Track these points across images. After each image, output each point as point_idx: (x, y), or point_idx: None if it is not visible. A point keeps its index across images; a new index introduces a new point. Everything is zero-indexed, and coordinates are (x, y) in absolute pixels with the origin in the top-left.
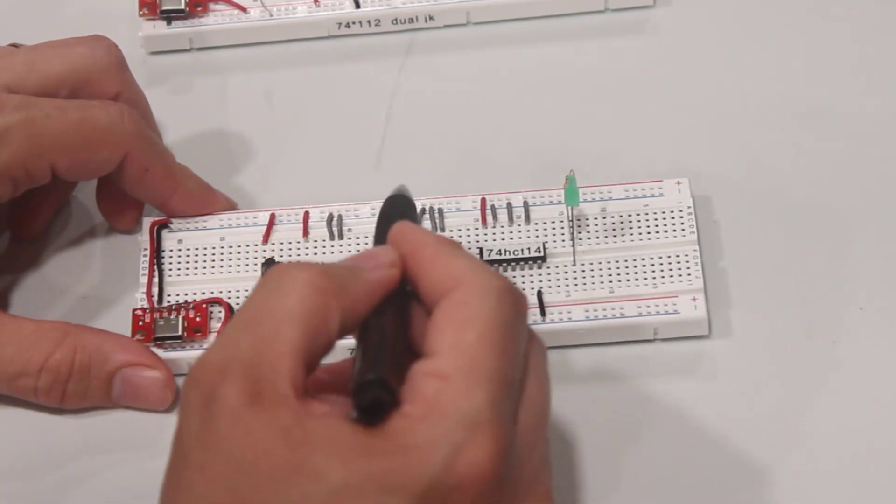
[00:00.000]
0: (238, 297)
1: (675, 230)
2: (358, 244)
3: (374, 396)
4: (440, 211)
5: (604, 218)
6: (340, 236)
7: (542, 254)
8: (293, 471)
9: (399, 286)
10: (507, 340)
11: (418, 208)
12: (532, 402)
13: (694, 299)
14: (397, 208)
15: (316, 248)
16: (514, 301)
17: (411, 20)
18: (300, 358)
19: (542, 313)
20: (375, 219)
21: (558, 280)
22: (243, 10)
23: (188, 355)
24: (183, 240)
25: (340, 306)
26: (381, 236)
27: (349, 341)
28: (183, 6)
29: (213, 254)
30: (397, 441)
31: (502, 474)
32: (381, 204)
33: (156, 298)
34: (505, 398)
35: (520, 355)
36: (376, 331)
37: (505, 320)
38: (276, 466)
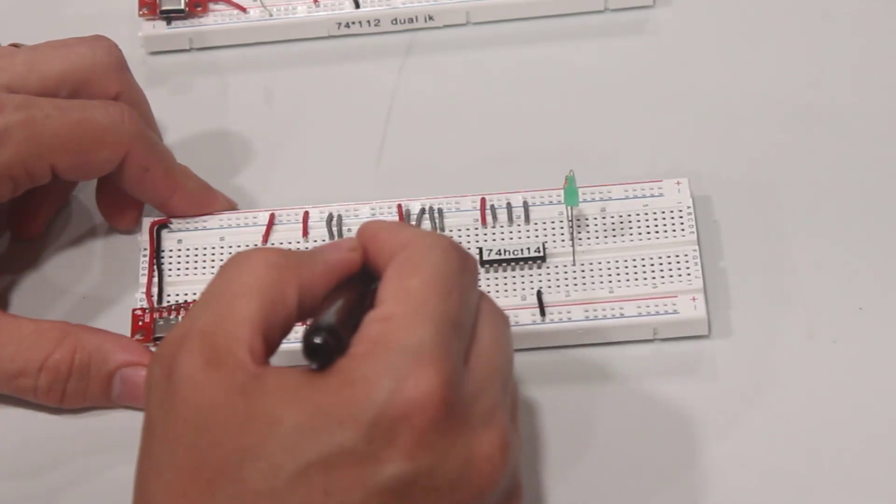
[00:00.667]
0: None
1: (674, 230)
2: None
3: (318, 339)
4: (440, 211)
5: (603, 218)
6: (340, 236)
7: (541, 254)
8: (248, 419)
9: (361, 273)
10: (452, 286)
11: (418, 208)
12: (484, 349)
13: (694, 299)
14: None
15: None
16: (460, 256)
17: (411, 20)
18: (257, 328)
19: (542, 313)
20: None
21: (558, 280)
22: (243, 10)
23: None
24: (183, 240)
25: (297, 281)
26: None
27: None
28: (183, 6)
29: (213, 254)
30: (343, 377)
31: (449, 404)
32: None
33: (155, 298)
34: (450, 335)
35: (467, 303)
36: (331, 299)
37: (449, 269)
38: (231, 418)
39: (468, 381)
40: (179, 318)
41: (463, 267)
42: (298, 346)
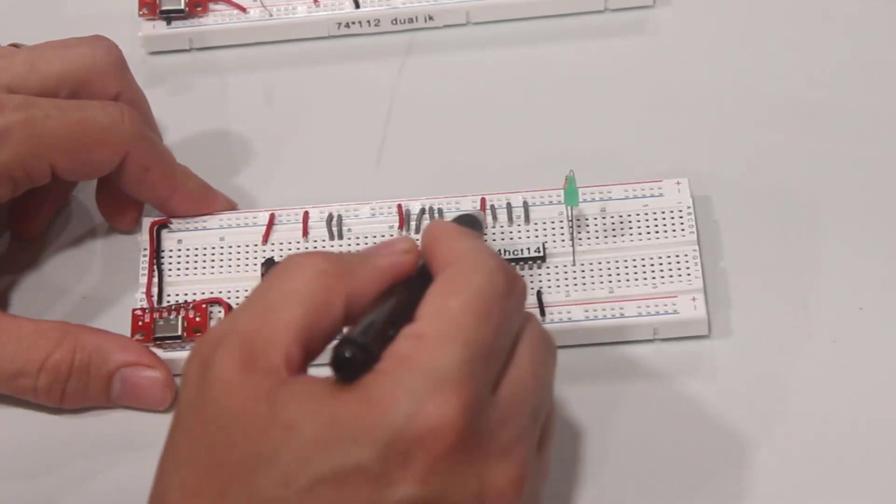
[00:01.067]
0: (238, 297)
1: (674, 230)
2: (357, 244)
3: (346, 353)
4: (440, 211)
5: (603, 218)
6: (340, 236)
7: (541, 254)
8: (268, 425)
9: (418, 273)
10: (491, 310)
11: (418, 208)
12: (517, 377)
13: (694, 299)
14: (465, 222)
15: (316, 248)
16: (507, 280)
17: (411, 20)
18: (298, 335)
19: (542, 313)
20: (371, 224)
21: (558, 280)
22: (243, 10)
23: (188, 355)
24: (183, 240)
25: (345, 289)
26: None
27: None
28: (183, 6)
29: (213, 254)
30: (365, 393)
31: (467, 433)
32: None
33: (155, 298)
34: (480, 362)
35: (506, 329)
36: (376, 307)
37: (492, 293)
38: (252, 422)
39: (493, 410)
40: (179, 318)
41: (508, 291)
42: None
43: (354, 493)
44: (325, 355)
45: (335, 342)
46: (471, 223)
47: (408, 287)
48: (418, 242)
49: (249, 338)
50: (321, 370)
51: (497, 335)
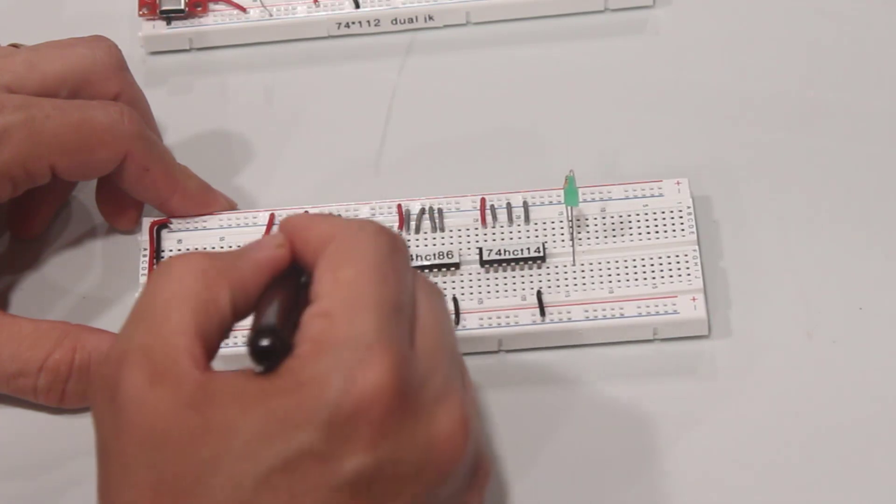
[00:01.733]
0: None
1: (674, 230)
2: None
3: (265, 343)
4: (440, 211)
5: (603, 218)
6: None
7: (541, 254)
8: (203, 432)
9: (291, 268)
10: (386, 270)
11: (418, 208)
12: (427, 326)
13: (693, 299)
14: None
15: None
16: (389, 238)
17: (411, 20)
18: (194, 335)
19: (542, 313)
20: (375, 219)
21: (558, 280)
22: (243, 10)
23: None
24: (183, 240)
25: (227, 284)
26: None
27: None
28: (183, 6)
29: None
30: (293, 379)
31: (402, 391)
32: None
33: None
34: (393, 320)
35: (404, 284)
36: (267, 299)
37: (380, 253)
38: (186, 431)
39: (417, 363)
40: None
41: (394, 248)
42: (235, 350)
43: (308, 477)
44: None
45: (248, 336)
46: None
47: (288, 278)
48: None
49: (149, 350)
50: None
51: (399, 292)
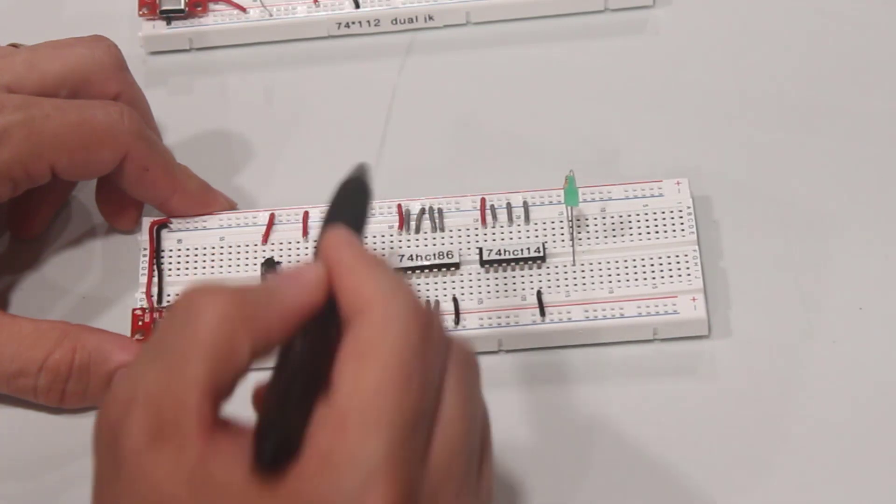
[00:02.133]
0: None
1: (674, 230)
2: None
3: (272, 450)
4: (440, 211)
5: (603, 218)
6: None
7: (541, 254)
8: None
9: (328, 304)
10: (412, 373)
11: (418, 208)
12: (449, 428)
13: (694, 299)
14: (348, 198)
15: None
16: (423, 325)
17: (411, 20)
18: (207, 390)
19: (542, 313)
20: (371, 224)
21: (558, 280)
22: (243, 10)
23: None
24: (183, 240)
25: (251, 335)
26: (323, 233)
27: None
28: (183, 6)
29: (213, 254)
30: (293, 494)
31: None
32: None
33: (155, 298)
34: (407, 440)
35: (430, 382)
36: (290, 363)
37: (410, 349)
38: None
39: (428, 480)
40: None
41: (426, 337)
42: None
43: None
44: None
45: (255, 433)
46: (357, 192)
47: (318, 329)
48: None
49: (157, 401)
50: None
51: (422, 397)
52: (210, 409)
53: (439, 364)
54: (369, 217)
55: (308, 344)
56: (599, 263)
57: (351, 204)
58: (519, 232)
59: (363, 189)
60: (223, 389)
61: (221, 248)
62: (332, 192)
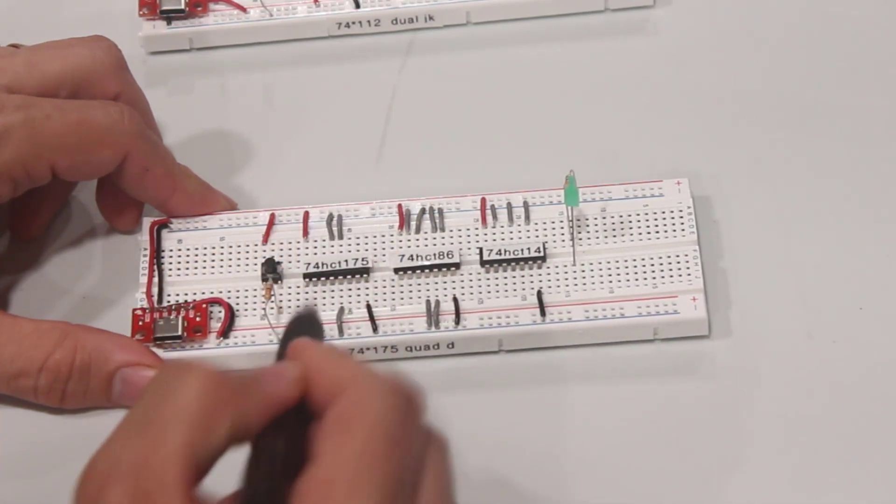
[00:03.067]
0: (238, 298)
1: (674, 230)
2: (357, 244)
3: None
4: (440, 211)
5: (604, 218)
6: (340, 236)
7: (542, 254)
8: None
9: (300, 406)
10: (395, 442)
11: (418, 208)
12: (429, 498)
13: (694, 299)
14: (303, 328)
15: (316, 247)
16: (405, 400)
17: (411, 20)
18: (187, 464)
19: (542, 313)
20: (371, 224)
21: (558, 280)
22: (243, 10)
23: (188, 355)
24: (183, 240)
25: (231, 415)
26: (282, 354)
27: None
28: (183, 6)
29: (213, 254)
30: None
31: None
32: (288, 324)
33: (156, 298)
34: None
35: (411, 457)
36: (268, 453)
37: (392, 420)
38: None
39: None
40: (180, 318)
41: (407, 411)
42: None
43: None
44: None
45: (240, 495)
46: (309, 326)
47: (291, 423)
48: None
49: (137, 472)
50: None
51: (404, 466)
52: (190, 482)
53: (420, 440)
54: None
55: (286, 432)
56: (600, 263)
57: (306, 333)
58: (519, 232)
59: (315, 322)
60: (202, 466)
61: (221, 248)
62: (288, 325)
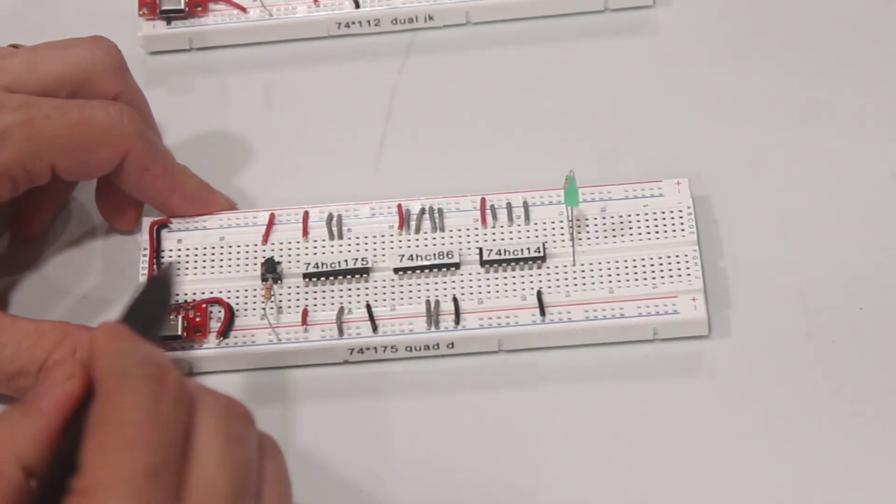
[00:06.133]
0: (238, 297)
1: (674, 230)
2: (357, 244)
3: None
4: (440, 211)
5: (604, 218)
6: (340, 236)
7: (541, 254)
8: None
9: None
10: (143, 429)
11: (418, 208)
12: (204, 470)
13: (694, 299)
14: (148, 294)
15: (315, 247)
16: (151, 378)
17: (411, 20)
18: None
19: (542, 313)
20: (371, 224)
21: (558, 280)
22: (243, 10)
23: (187, 355)
24: (183, 240)
25: (15, 454)
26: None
27: None
28: (183, 6)
29: (213, 254)
30: None
31: None
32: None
33: None
34: (147, 492)
35: (168, 435)
36: (58, 450)
37: (139, 410)
38: None
39: None
40: (179, 318)
41: (158, 393)
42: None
43: None
44: None
45: None
46: (159, 290)
47: (82, 417)
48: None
49: None
50: None
51: (158, 451)
52: None
53: (182, 416)
54: (167, 311)
55: (75, 427)
56: (599, 263)
57: (150, 300)
58: (519, 232)
59: (165, 286)
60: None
61: (221, 248)
62: (138, 289)
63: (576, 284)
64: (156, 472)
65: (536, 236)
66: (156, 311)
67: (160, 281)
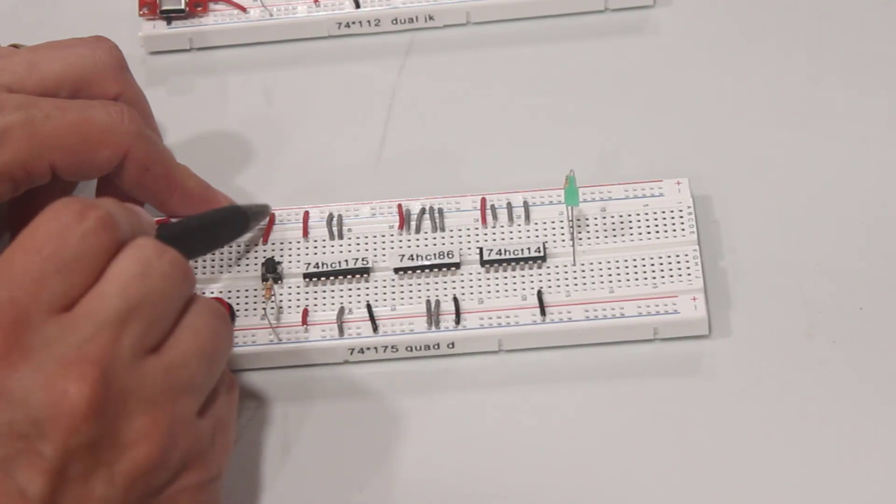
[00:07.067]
0: (238, 297)
1: (675, 230)
2: (358, 244)
3: None
4: (440, 211)
5: (604, 218)
6: (340, 236)
7: (542, 254)
8: None
9: None
10: (51, 246)
11: (418, 208)
12: (175, 345)
13: (694, 299)
14: (223, 219)
15: (316, 247)
16: (73, 214)
17: (411, 20)
18: None
19: (542, 313)
20: (371, 224)
21: (558, 280)
22: (243, 10)
23: None
24: None
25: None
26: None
27: None
28: (183, 6)
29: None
30: None
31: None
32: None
33: None
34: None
35: (73, 258)
36: None
37: (49, 229)
38: None
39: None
40: None
41: (71, 223)
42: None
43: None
44: None
45: None
46: (232, 221)
47: None
48: None
49: None
50: None
51: (50, 260)
52: None
53: (95, 247)
54: (224, 238)
55: None
56: (600, 263)
57: (223, 220)
58: (519, 232)
59: (240, 222)
60: None
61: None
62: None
63: (576, 284)
64: (42, 277)
65: (537, 236)
66: (217, 231)
67: (242, 214)
